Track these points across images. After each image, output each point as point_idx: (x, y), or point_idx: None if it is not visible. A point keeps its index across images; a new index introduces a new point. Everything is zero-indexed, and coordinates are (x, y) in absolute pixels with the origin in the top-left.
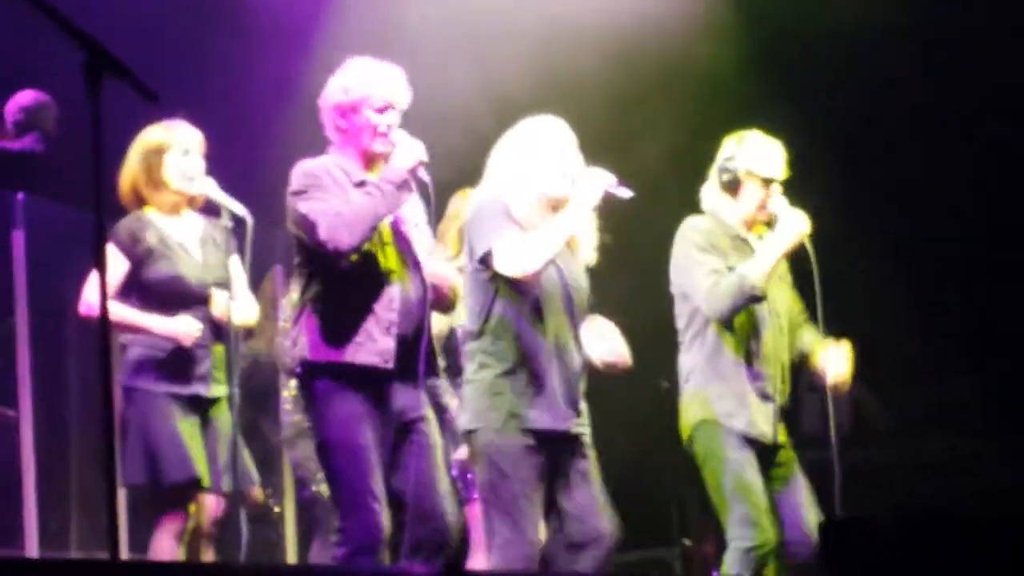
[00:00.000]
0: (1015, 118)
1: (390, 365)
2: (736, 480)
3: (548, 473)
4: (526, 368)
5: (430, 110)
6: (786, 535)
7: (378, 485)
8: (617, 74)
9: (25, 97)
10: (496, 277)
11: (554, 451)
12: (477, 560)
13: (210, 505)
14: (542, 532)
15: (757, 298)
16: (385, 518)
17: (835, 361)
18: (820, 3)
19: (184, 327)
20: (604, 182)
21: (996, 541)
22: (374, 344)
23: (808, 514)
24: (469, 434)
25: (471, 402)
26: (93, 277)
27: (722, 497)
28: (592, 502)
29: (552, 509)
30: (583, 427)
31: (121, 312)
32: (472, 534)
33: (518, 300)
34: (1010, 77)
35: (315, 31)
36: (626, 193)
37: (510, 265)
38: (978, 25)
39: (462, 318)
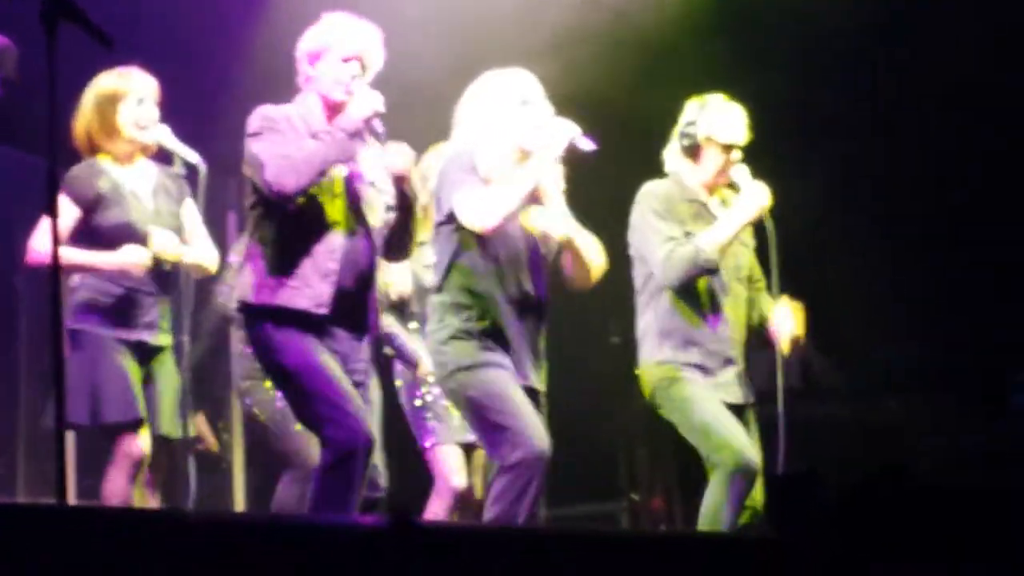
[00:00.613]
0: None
1: (323, 311)
2: (707, 412)
3: None
4: (488, 321)
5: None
6: None
7: (349, 392)
8: (582, 32)
9: None
10: (461, 231)
11: None
12: (434, 506)
13: (146, 450)
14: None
15: (710, 270)
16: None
17: (787, 319)
18: None
19: (133, 256)
20: (568, 132)
21: (940, 500)
22: (309, 289)
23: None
24: (443, 382)
25: (437, 352)
26: (43, 224)
27: (697, 431)
28: None
29: None
30: (541, 384)
31: (69, 255)
32: (436, 480)
33: (481, 254)
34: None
35: None
36: (589, 145)
37: (470, 218)
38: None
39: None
